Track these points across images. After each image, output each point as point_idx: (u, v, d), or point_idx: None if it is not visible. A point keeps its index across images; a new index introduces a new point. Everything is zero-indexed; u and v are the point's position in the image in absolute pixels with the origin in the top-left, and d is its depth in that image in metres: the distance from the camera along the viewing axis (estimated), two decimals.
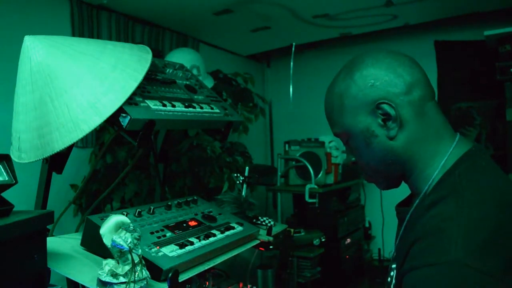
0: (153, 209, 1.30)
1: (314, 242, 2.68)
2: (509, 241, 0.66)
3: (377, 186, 0.91)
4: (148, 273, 0.96)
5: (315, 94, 3.67)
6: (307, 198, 2.54)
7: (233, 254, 1.31)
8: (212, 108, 1.42)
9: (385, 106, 0.79)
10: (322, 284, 2.78)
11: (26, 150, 1.14)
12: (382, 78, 0.80)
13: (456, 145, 0.79)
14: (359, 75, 0.82)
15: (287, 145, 2.83)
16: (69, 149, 1.17)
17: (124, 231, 0.93)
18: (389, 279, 0.83)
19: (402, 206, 0.88)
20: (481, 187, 0.72)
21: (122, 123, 1.10)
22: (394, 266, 0.81)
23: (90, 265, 1.07)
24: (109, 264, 0.94)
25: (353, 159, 0.91)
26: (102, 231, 0.93)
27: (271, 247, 1.53)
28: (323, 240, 2.72)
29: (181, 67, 1.57)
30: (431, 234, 0.69)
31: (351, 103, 0.83)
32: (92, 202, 1.92)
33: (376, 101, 0.79)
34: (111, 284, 0.92)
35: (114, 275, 0.92)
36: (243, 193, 1.75)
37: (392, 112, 0.78)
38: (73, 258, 1.11)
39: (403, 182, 0.89)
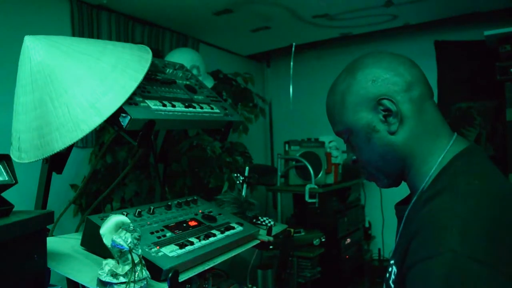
0: (153, 209, 1.30)
1: (314, 242, 2.68)
2: (504, 232, 0.67)
3: (378, 185, 0.92)
4: (148, 273, 0.96)
5: (315, 94, 3.68)
6: (307, 198, 2.54)
7: (233, 254, 1.31)
8: (212, 108, 1.42)
9: (386, 102, 0.81)
10: (322, 284, 2.78)
11: (26, 150, 1.14)
12: (383, 76, 0.82)
13: (453, 144, 0.81)
14: (361, 73, 0.85)
15: (287, 145, 2.83)
16: (69, 149, 1.17)
17: (124, 231, 0.93)
18: (387, 274, 0.84)
19: (402, 205, 0.89)
20: (476, 181, 0.73)
21: (122, 123, 1.10)
22: (392, 262, 0.82)
23: (90, 265, 1.07)
24: (109, 264, 0.94)
25: (354, 157, 0.92)
26: (102, 231, 0.93)
27: (271, 247, 1.53)
28: (323, 240, 2.72)
29: (181, 67, 1.57)
30: (426, 227, 0.70)
31: (353, 100, 0.85)
32: (92, 202, 1.92)
33: (378, 97, 0.82)
34: (111, 284, 0.92)
35: (114, 275, 0.92)
36: (243, 193, 1.75)
37: (393, 107, 0.81)
38: (73, 258, 1.11)
39: (402, 183, 0.90)
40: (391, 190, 0.99)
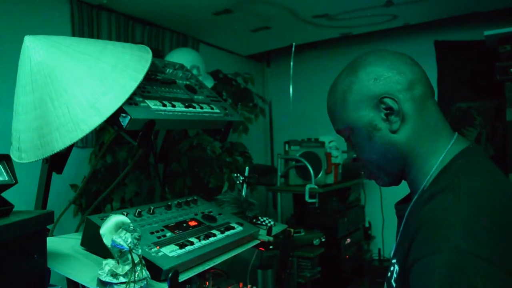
0: (153, 209, 1.30)
1: (314, 242, 2.68)
2: (506, 230, 0.67)
3: (377, 183, 0.92)
4: (148, 273, 0.96)
5: (315, 94, 3.68)
6: (307, 198, 2.54)
7: (233, 254, 1.31)
8: (212, 108, 1.42)
9: (388, 100, 0.81)
10: (322, 284, 2.77)
11: (26, 150, 1.14)
12: (385, 74, 0.82)
13: (454, 143, 0.81)
14: (363, 71, 0.84)
15: (287, 145, 2.83)
16: (69, 149, 1.17)
17: (124, 231, 0.93)
18: (389, 274, 0.84)
19: (401, 204, 0.89)
20: (478, 179, 0.74)
21: (122, 123, 1.10)
22: (394, 261, 0.82)
23: (90, 265, 1.07)
24: (109, 264, 0.94)
25: (354, 156, 0.92)
26: (102, 231, 0.93)
27: (271, 247, 1.53)
28: (323, 240, 2.72)
29: (181, 67, 1.57)
30: (428, 225, 0.70)
31: (354, 98, 0.85)
32: (92, 202, 1.92)
33: (379, 95, 0.82)
34: (111, 284, 0.92)
35: (114, 275, 0.92)
36: (243, 193, 1.75)
37: (395, 106, 0.81)
38: (73, 258, 1.11)
39: (402, 182, 0.90)
40: (391, 190, 0.99)
